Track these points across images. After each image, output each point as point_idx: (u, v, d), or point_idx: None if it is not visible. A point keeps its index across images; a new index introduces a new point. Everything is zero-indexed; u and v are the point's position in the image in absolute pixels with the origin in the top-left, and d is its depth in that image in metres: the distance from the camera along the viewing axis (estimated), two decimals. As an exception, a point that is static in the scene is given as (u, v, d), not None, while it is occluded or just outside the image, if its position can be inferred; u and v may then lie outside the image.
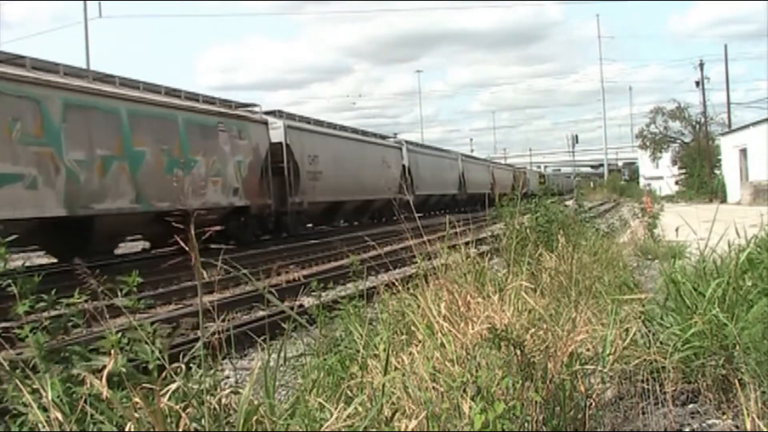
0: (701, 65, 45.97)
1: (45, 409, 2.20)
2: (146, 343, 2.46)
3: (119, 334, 2.48)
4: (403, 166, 35.69)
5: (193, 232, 2.27)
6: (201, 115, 19.11)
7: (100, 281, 2.74)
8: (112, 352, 2.35)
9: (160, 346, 2.43)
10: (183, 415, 2.15)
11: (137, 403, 2.11)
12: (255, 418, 2.34)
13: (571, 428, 2.94)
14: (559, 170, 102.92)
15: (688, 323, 3.54)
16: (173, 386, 2.23)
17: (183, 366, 2.43)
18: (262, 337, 4.01)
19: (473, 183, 49.06)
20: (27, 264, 3.11)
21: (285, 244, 20.33)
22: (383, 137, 38.05)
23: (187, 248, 2.29)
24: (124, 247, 20.20)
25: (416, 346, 3.47)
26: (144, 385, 2.25)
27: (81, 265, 2.84)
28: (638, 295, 4.23)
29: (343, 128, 31.88)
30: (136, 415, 2.09)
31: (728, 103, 45.06)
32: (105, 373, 2.15)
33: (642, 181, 66.74)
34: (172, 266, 13.31)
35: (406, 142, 39.52)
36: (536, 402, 2.81)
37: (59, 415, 2.15)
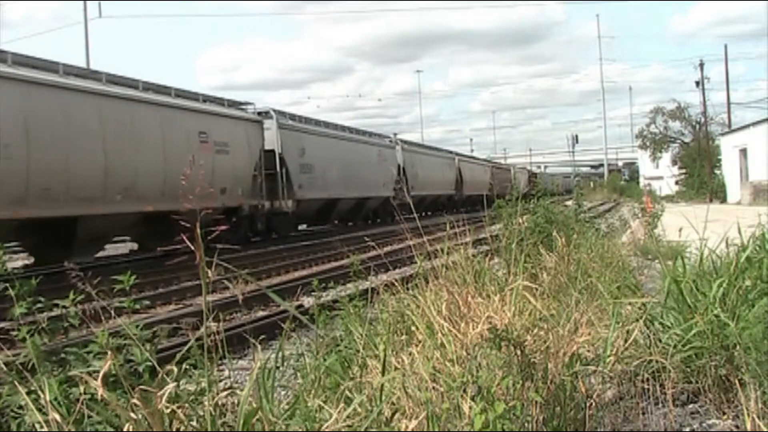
0: (701, 65, 46.03)
1: (42, 411, 2.19)
2: (139, 345, 2.46)
3: (109, 336, 2.48)
4: (269, 152, 21.75)
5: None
6: None
7: (94, 283, 2.73)
8: (109, 353, 2.34)
9: (150, 348, 2.43)
10: (181, 414, 2.14)
11: (135, 404, 2.10)
12: (254, 419, 2.33)
13: (572, 428, 2.93)
14: (550, 172, 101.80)
15: (689, 323, 3.53)
16: (170, 387, 2.22)
17: (180, 367, 2.42)
18: (260, 338, 4.00)
19: (423, 182, 36.37)
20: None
21: (285, 244, 20.27)
22: (219, 100, 20.96)
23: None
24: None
25: (416, 346, 3.46)
26: (141, 386, 2.24)
27: (75, 268, 2.84)
28: (641, 298, 4.22)
29: (105, 77, 15.82)
30: (133, 416, 2.08)
31: (728, 103, 45.10)
32: (101, 374, 2.14)
33: (642, 181, 66.68)
34: (173, 266, 13.19)
35: (278, 112, 23.91)
36: (537, 402, 2.80)
37: (57, 417, 2.14)
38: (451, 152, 48.37)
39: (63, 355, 2.55)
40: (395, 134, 37.43)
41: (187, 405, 2.27)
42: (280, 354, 3.19)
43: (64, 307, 2.71)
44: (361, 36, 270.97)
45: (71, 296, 2.72)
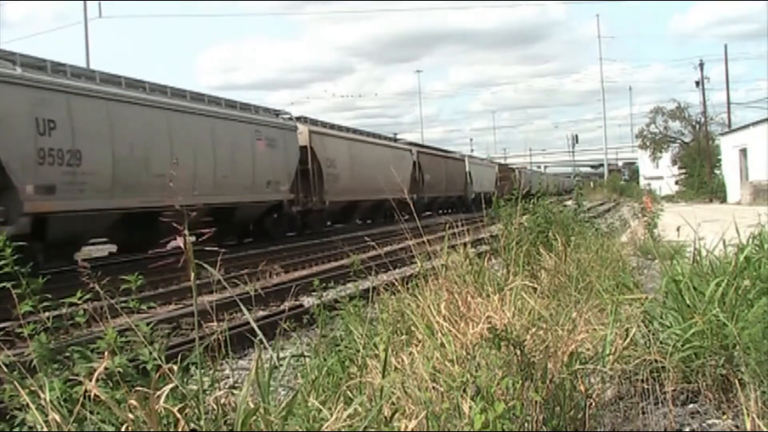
0: (701, 65, 46.04)
1: (43, 411, 2.19)
2: (147, 344, 2.46)
3: (116, 335, 2.48)
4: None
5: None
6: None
7: (101, 282, 2.73)
8: (106, 353, 2.34)
9: (158, 347, 2.43)
10: (179, 416, 2.14)
11: (133, 404, 2.10)
12: (254, 418, 2.33)
13: (571, 428, 2.93)
14: (542, 170, 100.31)
15: (688, 323, 3.54)
16: (168, 386, 2.22)
17: (180, 366, 2.42)
18: (260, 337, 4.00)
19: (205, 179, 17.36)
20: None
21: (285, 244, 20.31)
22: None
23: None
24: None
25: (416, 346, 3.46)
26: (140, 385, 2.24)
27: (85, 266, 2.84)
28: (639, 295, 4.22)
29: None
30: (131, 416, 2.08)
31: (728, 103, 45.09)
32: (96, 374, 2.14)
33: (642, 181, 66.65)
34: (172, 266, 13.25)
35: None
36: (536, 402, 2.80)
37: (57, 417, 2.14)
38: (292, 119, 23.69)
39: (67, 354, 2.55)
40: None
41: (190, 404, 2.27)
42: (278, 353, 3.19)
43: (71, 305, 2.71)
44: (362, 36, 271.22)
45: (78, 294, 2.73)
